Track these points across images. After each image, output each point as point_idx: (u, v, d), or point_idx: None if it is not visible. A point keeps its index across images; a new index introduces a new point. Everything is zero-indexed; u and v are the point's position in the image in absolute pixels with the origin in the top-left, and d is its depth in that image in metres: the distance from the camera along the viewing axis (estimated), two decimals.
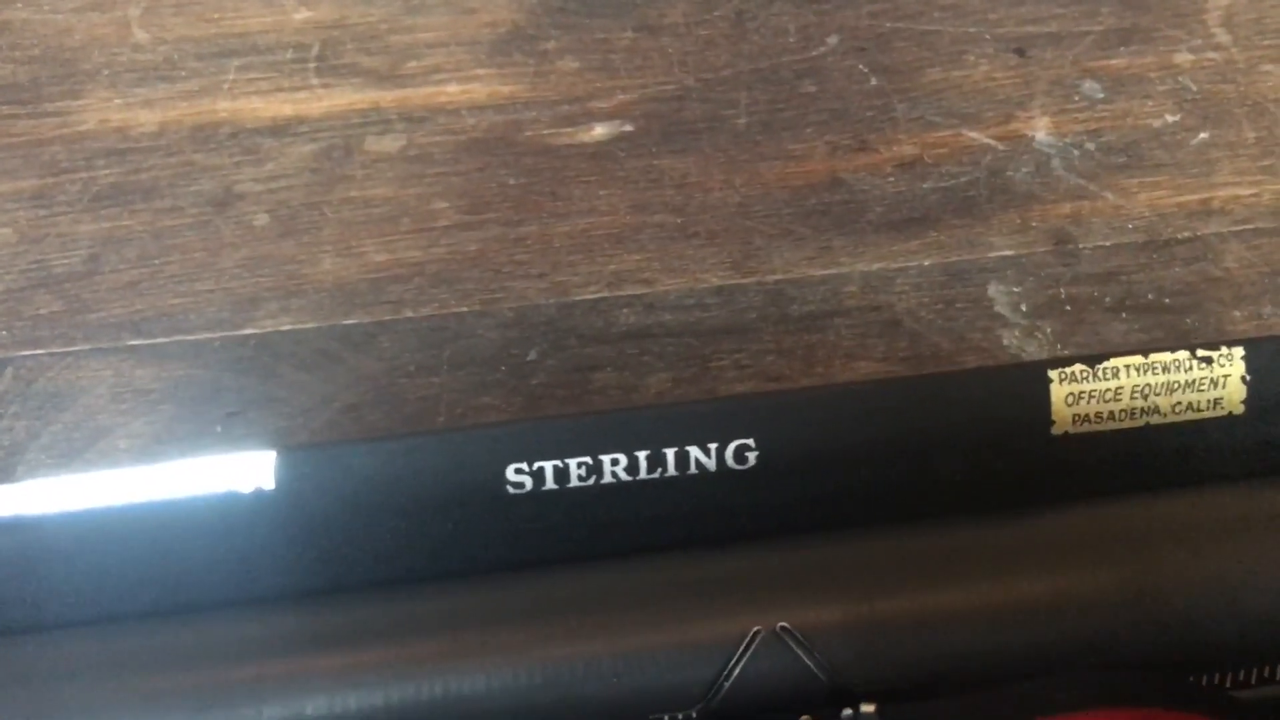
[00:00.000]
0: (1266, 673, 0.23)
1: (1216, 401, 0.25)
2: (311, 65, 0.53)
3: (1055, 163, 0.51)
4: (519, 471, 0.23)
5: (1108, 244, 0.49)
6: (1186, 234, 0.48)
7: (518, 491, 0.24)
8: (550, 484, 0.23)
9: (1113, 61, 0.54)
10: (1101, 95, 0.53)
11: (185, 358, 0.44)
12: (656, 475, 0.23)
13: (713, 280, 0.47)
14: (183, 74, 0.53)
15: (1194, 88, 0.53)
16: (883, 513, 0.23)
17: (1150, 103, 0.53)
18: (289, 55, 0.54)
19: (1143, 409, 0.24)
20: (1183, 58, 0.54)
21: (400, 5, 0.56)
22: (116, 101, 0.51)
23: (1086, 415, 0.24)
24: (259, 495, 0.24)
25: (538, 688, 0.21)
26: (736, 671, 0.22)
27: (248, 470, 0.25)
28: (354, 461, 0.23)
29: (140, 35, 0.54)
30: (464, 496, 0.24)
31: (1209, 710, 0.22)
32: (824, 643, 0.22)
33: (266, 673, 0.21)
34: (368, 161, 0.50)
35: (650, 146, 0.51)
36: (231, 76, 0.53)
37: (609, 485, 0.23)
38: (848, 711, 0.22)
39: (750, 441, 0.24)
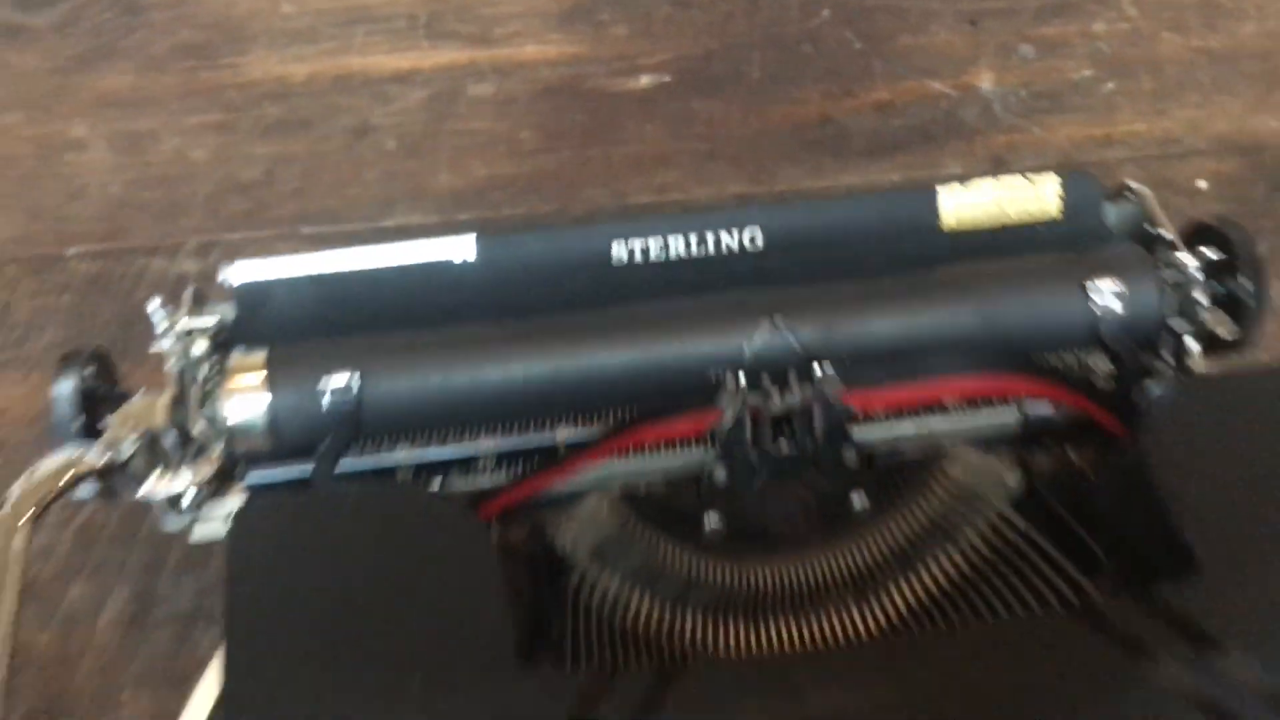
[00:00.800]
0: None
1: (1042, 210, 0.39)
2: (421, 31, 0.69)
3: (996, 106, 0.66)
4: (620, 248, 0.38)
5: (1033, 165, 0.64)
6: (1094, 158, 0.64)
7: (618, 265, 0.38)
8: (641, 258, 0.38)
9: (1045, 30, 0.70)
10: (1034, 56, 0.68)
11: (342, 242, 0.59)
12: (699, 252, 0.38)
13: (733, 189, 0.62)
14: (322, 37, 0.68)
15: (1106, 50, 0.68)
16: (820, 269, 0.38)
17: (1071, 61, 0.68)
18: (402, 23, 0.69)
19: (998, 213, 0.39)
20: (1099, 27, 0.70)
21: None
22: (274, 58, 0.67)
23: (962, 218, 0.39)
24: (465, 265, 0.39)
25: (637, 358, 0.36)
26: (755, 342, 0.37)
27: (459, 247, 0.39)
28: (524, 240, 0.38)
29: (287, 8, 0.69)
30: (578, 263, 0.38)
31: (1063, 383, 0.36)
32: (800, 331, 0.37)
33: (480, 351, 0.36)
34: (469, 103, 0.65)
35: (684, 93, 0.66)
36: (360, 39, 0.68)
37: (674, 259, 0.38)
38: (817, 368, 0.36)
39: (758, 230, 0.38)
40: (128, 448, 0.36)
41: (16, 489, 0.35)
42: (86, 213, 0.60)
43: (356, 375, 0.36)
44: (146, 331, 0.55)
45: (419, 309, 0.38)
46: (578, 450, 0.37)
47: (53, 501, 0.35)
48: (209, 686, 0.40)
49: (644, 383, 0.37)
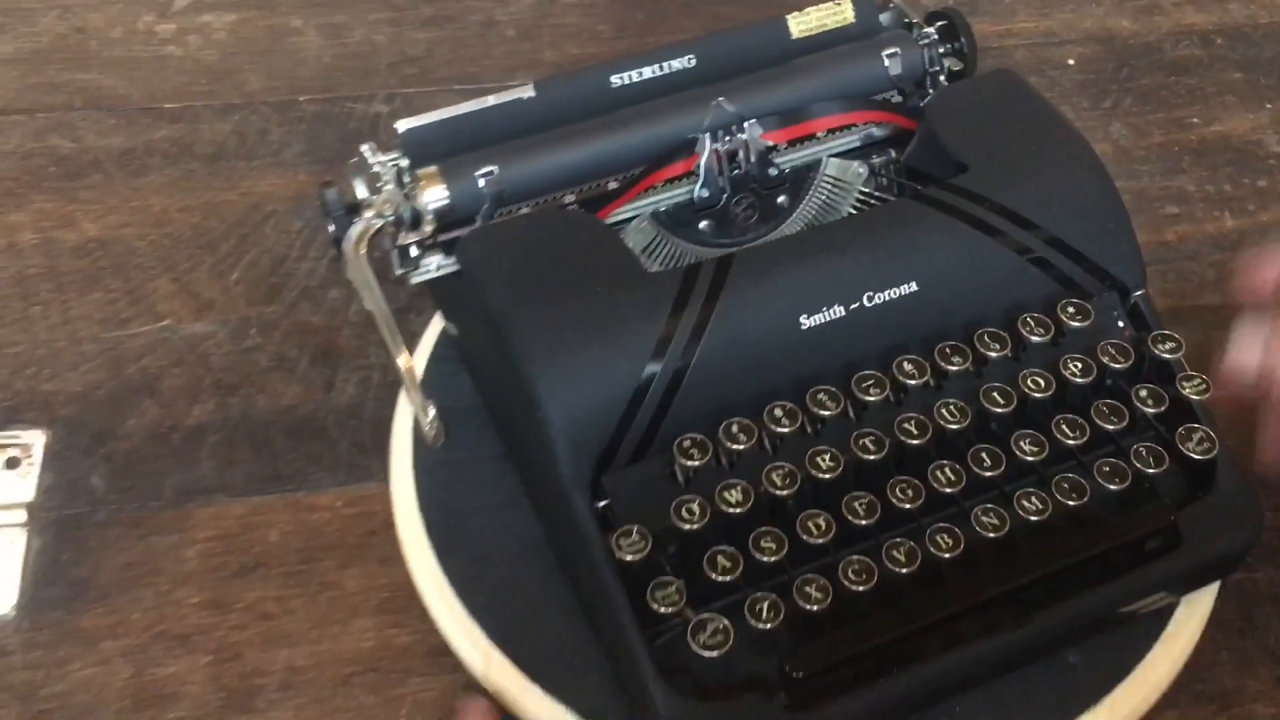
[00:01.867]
0: None
1: (845, 19, 0.67)
2: None
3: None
4: (616, 78, 0.65)
5: None
6: (995, 45, 0.91)
7: (616, 86, 0.65)
8: (628, 80, 0.65)
9: None
10: None
11: (481, 95, 0.87)
12: (661, 72, 0.66)
13: None
14: None
15: None
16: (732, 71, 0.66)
17: None
18: None
19: (820, 25, 0.67)
20: None
21: None
22: None
23: (802, 30, 0.68)
24: (530, 99, 0.66)
25: (647, 133, 0.65)
26: (710, 115, 0.65)
27: (525, 90, 0.67)
28: (561, 80, 0.66)
29: None
30: (592, 88, 0.65)
31: (880, 108, 0.65)
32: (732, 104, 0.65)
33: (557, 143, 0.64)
34: (562, 8, 0.94)
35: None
36: None
37: (648, 78, 0.65)
38: (748, 124, 0.65)
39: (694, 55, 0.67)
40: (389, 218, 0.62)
41: (353, 233, 0.61)
42: (308, 74, 0.88)
43: (495, 167, 0.63)
44: (353, 150, 0.83)
45: (507, 128, 0.65)
46: (625, 190, 0.65)
47: (362, 244, 0.61)
48: (430, 338, 0.69)
49: (653, 146, 0.65)
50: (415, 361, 0.68)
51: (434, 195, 0.62)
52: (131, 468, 0.67)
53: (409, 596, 0.61)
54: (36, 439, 0.67)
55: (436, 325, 0.70)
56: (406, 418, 0.66)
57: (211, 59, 0.89)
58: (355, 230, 0.60)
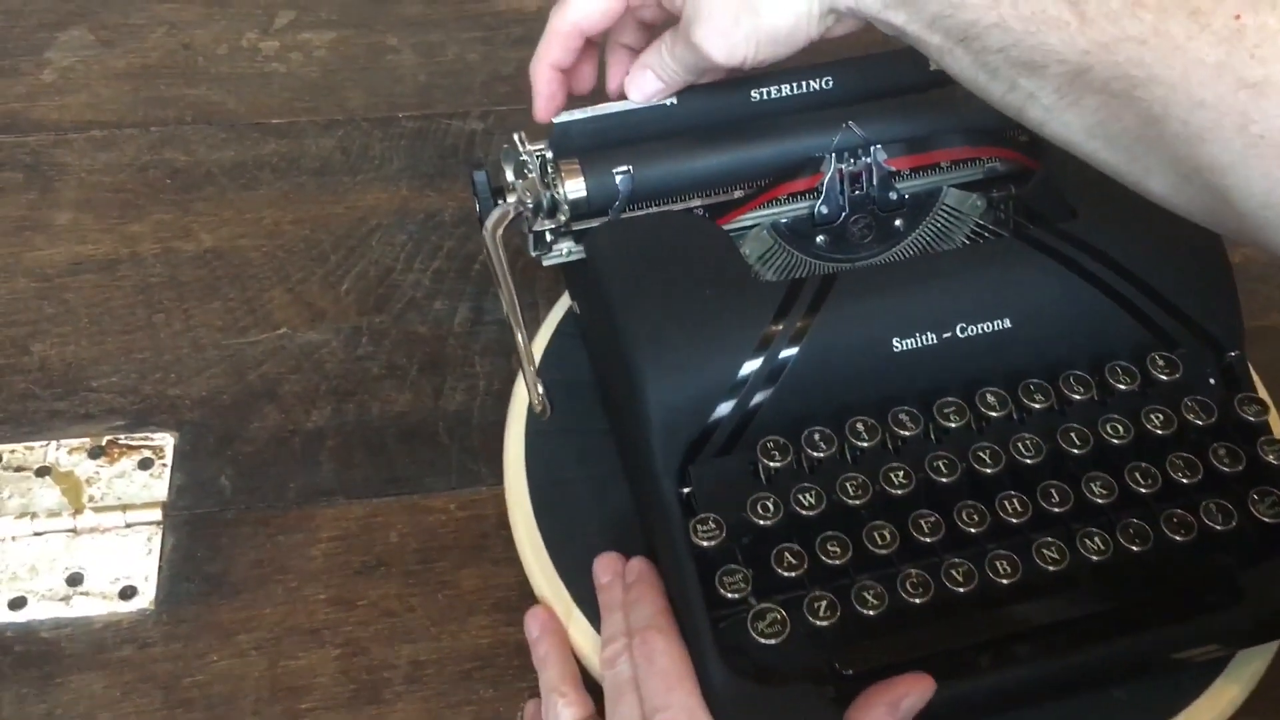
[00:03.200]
0: None
1: None
2: None
3: None
4: (755, 93, 0.69)
5: None
6: None
7: (755, 101, 0.69)
8: (767, 96, 0.69)
9: None
10: None
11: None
12: (799, 90, 0.69)
13: None
14: None
15: None
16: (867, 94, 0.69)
17: None
18: None
19: None
20: None
21: None
22: None
23: None
24: (671, 106, 0.70)
25: (778, 149, 0.68)
26: (838, 136, 0.68)
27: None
28: (703, 91, 0.69)
29: None
30: (733, 101, 0.69)
31: (1002, 144, 0.68)
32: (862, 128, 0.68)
33: (692, 149, 0.67)
34: None
35: None
36: None
37: (786, 95, 0.69)
38: (875, 148, 0.68)
39: (831, 77, 0.70)
40: (528, 205, 0.67)
41: (493, 216, 0.65)
42: (406, 91, 0.92)
43: (630, 166, 0.67)
44: (457, 163, 0.87)
45: (648, 130, 0.69)
46: (749, 199, 0.68)
47: (499, 227, 0.66)
48: (555, 315, 0.73)
49: (781, 160, 0.68)
50: (539, 338, 0.74)
51: (572, 187, 0.66)
52: (257, 469, 0.71)
53: (521, 596, 0.65)
54: (167, 441, 0.72)
55: (561, 306, 0.75)
56: (519, 422, 0.70)
57: (313, 75, 0.93)
58: (495, 214, 0.65)
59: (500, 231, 0.64)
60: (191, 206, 0.84)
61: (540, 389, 0.61)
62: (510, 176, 0.68)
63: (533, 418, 0.69)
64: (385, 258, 0.82)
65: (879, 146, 0.68)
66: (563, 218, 0.66)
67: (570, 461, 0.68)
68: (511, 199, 0.66)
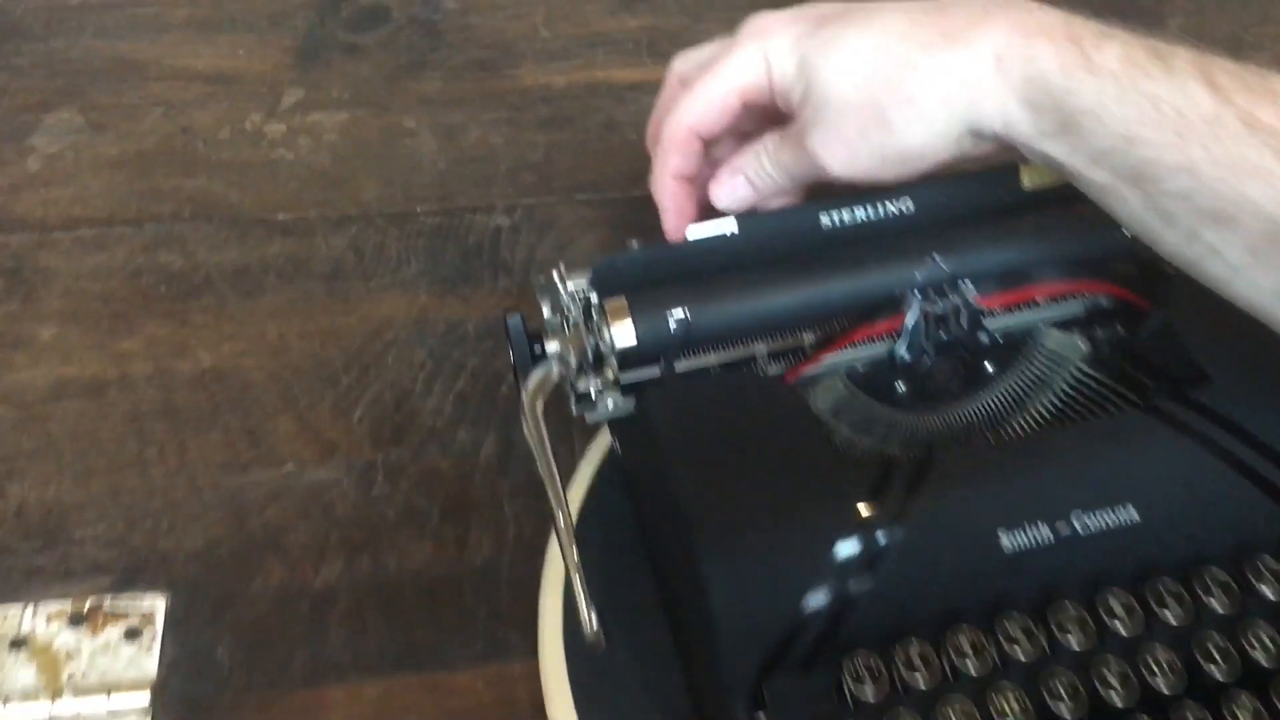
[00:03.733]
0: None
1: None
2: (644, 51, 0.92)
3: None
4: (826, 218, 0.61)
5: None
6: None
7: (826, 228, 0.61)
8: (839, 222, 0.61)
9: None
10: None
11: (605, 206, 0.83)
12: (875, 216, 0.61)
13: None
14: (573, 55, 0.92)
15: None
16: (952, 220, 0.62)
17: None
18: (630, 46, 0.93)
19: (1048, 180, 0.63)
20: None
21: (690, 16, 0.95)
22: (540, 71, 0.91)
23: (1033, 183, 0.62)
24: (731, 236, 0.62)
25: (853, 285, 0.59)
26: (922, 270, 0.60)
27: (727, 225, 0.62)
28: (765, 218, 0.61)
29: (545, 33, 0.93)
30: (803, 228, 0.61)
31: (1109, 280, 0.60)
32: (948, 261, 0.61)
33: (756, 288, 0.60)
34: None
35: None
36: (600, 57, 0.92)
37: (860, 221, 0.61)
38: (963, 284, 0.60)
39: (909, 200, 0.62)
40: (571, 363, 0.59)
41: (531, 381, 0.58)
42: (424, 181, 0.84)
43: (686, 309, 0.59)
44: (481, 265, 0.79)
45: (704, 263, 0.61)
46: (822, 346, 0.61)
47: (539, 395, 0.58)
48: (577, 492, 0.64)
49: (858, 299, 0.61)
50: (577, 481, 0.65)
51: (620, 333, 0.59)
52: (258, 639, 0.63)
53: None
54: (158, 605, 0.64)
55: (601, 443, 0.67)
56: (556, 593, 0.62)
57: (324, 164, 0.85)
58: (534, 378, 0.58)
59: (541, 402, 0.56)
60: (189, 318, 0.76)
61: (594, 617, 0.52)
62: (547, 312, 0.60)
63: (572, 638, 0.60)
64: (403, 379, 0.74)
65: (968, 282, 0.60)
66: (610, 374, 0.58)
67: (619, 635, 0.60)
68: (552, 348, 0.58)
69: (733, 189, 0.62)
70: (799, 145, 0.58)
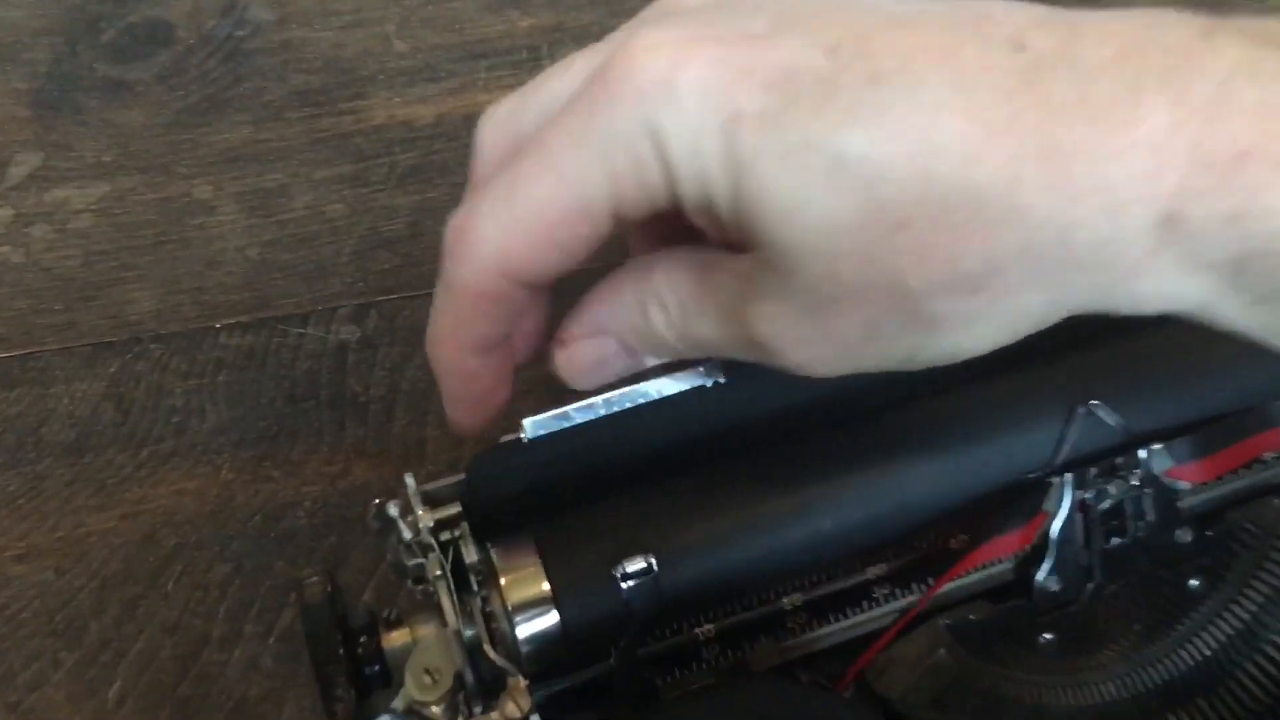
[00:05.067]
0: None
1: None
2: (546, 62, 0.65)
3: None
4: None
5: None
6: None
7: None
8: None
9: None
10: None
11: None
12: None
13: None
14: (443, 74, 0.64)
15: None
16: None
17: None
18: (524, 54, 0.65)
19: None
20: None
21: (605, 9, 0.67)
22: (396, 100, 0.63)
23: None
24: (719, 386, 0.34)
25: (945, 474, 0.33)
26: (1071, 433, 0.34)
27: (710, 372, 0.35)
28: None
29: (400, 45, 0.65)
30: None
31: None
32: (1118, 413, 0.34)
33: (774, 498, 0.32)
34: None
35: None
36: (483, 75, 0.64)
37: None
38: (1143, 452, 0.33)
39: None
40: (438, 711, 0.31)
41: None
42: (227, 281, 0.55)
43: (649, 557, 0.31)
44: (316, 409, 0.51)
45: (664, 453, 0.34)
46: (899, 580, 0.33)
47: None
48: None
49: (953, 499, 0.34)
50: None
51: (533, 621, 0.31)
52: None
53: None
54: None
55: None
56: None
57: (70, 266, 0.56)
58: None
59: None
60: None
61: None
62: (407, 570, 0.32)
63: None
64: (192, 617, 0.45)
65: (1159, 449, 0.33)
66: (520, 700, 0.30)
67: None
68: (409, 685, 0.30)
69: (597, 362, 0.33)
70: (733, 316, 0.29)
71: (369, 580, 0.46)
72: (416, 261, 0.56)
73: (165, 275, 0.56)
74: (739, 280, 0.28)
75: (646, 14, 0.31)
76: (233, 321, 0.54)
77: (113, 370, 0.52)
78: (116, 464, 0.49)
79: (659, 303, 0.30)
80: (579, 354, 0.32)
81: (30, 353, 0.53)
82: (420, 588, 0.33)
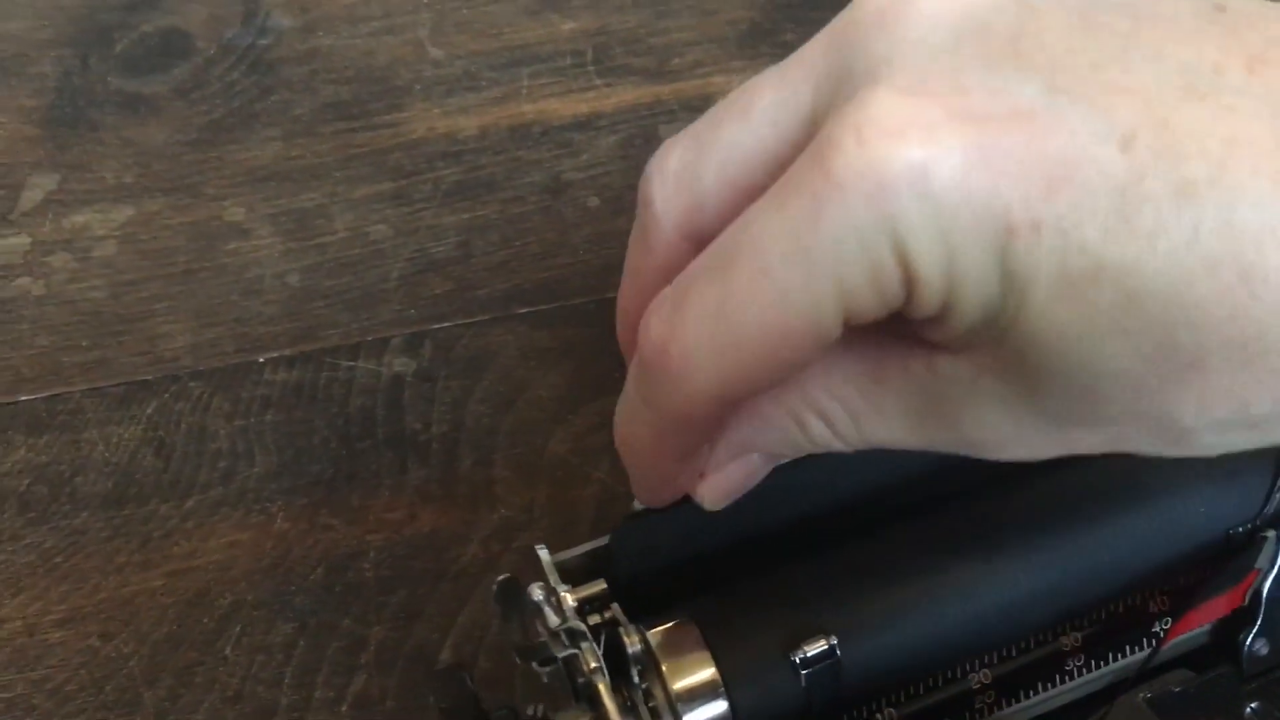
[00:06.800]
0: None
1: None
2: (591, 68, 0.61)
3: None
4: None
5: None
6: None
7: None
8: None
9: None
10: None
11: (570, 320, 0.51)
12: None
13: None
14: (484, 83, 0.60)
15: None
16: None
17: None
18: (569, 60, 0.61)
19: None
20: None
21: (650, 11, 0.63)
22: (435, 111, 0.59)
23: None
24: None
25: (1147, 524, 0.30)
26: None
27: None
28: None
29: (435, 53, 0.61)
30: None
31: None
32: None
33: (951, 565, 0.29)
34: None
35: None
36: (526, 82, 0.60)
37: None
38: None
39: None
40: None
41: None
42: (267, 311, 0.51)
43: (831, 637, 0.28)
44: (375, 448, 0.47)
45: (819, 508, 0.30)
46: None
47: None
48: None
49: (1155, 559, 0.31)
50: None
51: (701, 710, 0.28)
52: None
53: None
54: None
55: None
56: None
57: (96, 297, 0.52)
58: None
59: None
60: None
61: None
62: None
63: None
64: (256, 684, 0.41)
65: None
66: None
67: None
68: None
69: (744, 481, 0.29)
70: (928, 419, 0.25)
71: (445, 638, 0.43)
72: (469, 285, 0.52)
73: (199, 306, 0.51)
74: (945, 384, 0.24)
75: (861, 47, 0.24)
76: (276, 355, 0.50)
77: (149, 412, 0.48)
78: (160, 515, 0.45)
79: (820, 415, 0.26)
80: (725, 480, 0.28)
81: (58, 394, 0.49)
82: (548, 669, 0.29)
